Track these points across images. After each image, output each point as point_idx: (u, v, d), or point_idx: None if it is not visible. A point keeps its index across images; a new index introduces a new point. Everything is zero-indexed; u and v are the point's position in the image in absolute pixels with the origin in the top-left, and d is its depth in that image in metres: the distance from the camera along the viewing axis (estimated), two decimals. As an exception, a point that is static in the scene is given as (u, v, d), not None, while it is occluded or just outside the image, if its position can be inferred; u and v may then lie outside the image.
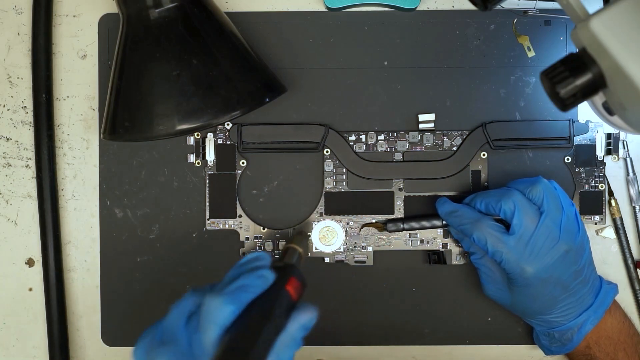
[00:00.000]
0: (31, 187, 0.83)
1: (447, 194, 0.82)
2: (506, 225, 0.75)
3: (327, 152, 0.82)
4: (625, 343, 0.78)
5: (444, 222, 0.80)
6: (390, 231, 0.81)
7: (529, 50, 0.81)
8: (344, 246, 0.82)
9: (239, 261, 0.66)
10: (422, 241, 0.82)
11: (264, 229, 0.83)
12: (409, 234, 0.82)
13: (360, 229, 0.82)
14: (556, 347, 0.79)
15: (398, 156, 0.82)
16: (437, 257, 0.82)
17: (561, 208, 0.74)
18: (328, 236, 0.82)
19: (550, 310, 0.76)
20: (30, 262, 0.83)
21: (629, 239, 0.82)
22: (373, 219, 0.82)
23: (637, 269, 0.82)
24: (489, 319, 0.83)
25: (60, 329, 0.82)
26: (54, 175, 0.82)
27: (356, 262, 0.82)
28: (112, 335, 0.83)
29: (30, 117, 0.82)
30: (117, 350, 0.83)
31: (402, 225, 0.81)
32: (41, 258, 0.82)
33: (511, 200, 0.74)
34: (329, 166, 0.82)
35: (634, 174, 0.82)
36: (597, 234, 0.82)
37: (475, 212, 0.76)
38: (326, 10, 0.82)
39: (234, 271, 0.65)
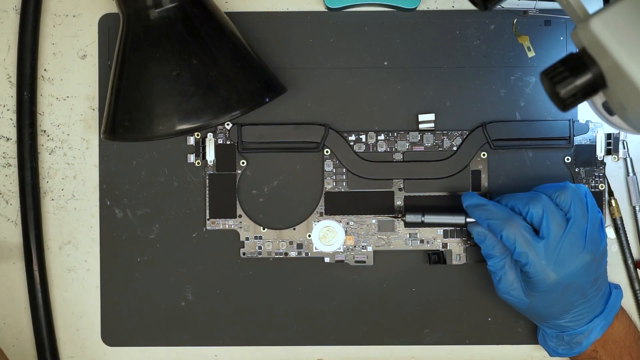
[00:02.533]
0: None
1: (446, 194, 0.82)
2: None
3: (327, 152, 0.82)
4: (630, 347, 0.78)
5: (467, 219, 0.78)
6: (408, 222, 0.80)
7: (529, 50, 0.81)
8: (344, 246, 0.82)
9: None
10: (422, 241, 0.82)
11: (264, 229, 0.82)
12: (409, 233, 0.82)
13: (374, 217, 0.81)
14: (564, 349, 0.79)
15: (398, 156, 0.82)
16: (437, 257, 0.82)
17: (587, 215, 0.74)
18: (328, 236, 0.82)
19: (564, 315, 0.76)
20: (30, 262, 0.83)
21: (629, 239, 0.82)
22: (373, 219, 0.82)
23: (637, 269, 0.82)
24: (489, 319, 0.83)
25: (48, 329, 0.82)
26: (35, 172, 0.81)
27: (356, 262, 0.82)
28: (112, 335, 0.83)
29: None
30: (117, 350, 0.83)
31: (421, 219, 0.80)
32: (23, 258, 0.82)
33: (540, 204, 0.74)
34: (329, 166, 0.82)
35: (634, 174, 0.82)
36: (597, 234, 0.83)
37: (507, 210, 0.75)
38: (326, 10, 0.82)
39: None
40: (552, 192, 0.75)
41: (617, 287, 0.80)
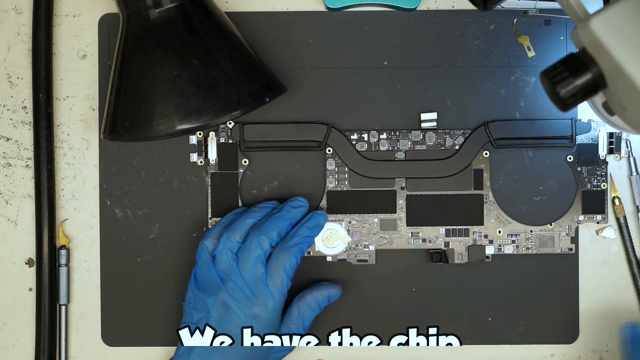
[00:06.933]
0: (31, 187, 0.83)
1: (449, 192, 0.82)
2: None
3: (329, 151, 0.82)
4: None
5: None
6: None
7: (529, 50, 0.81)
8: (347, 246, 0.82)
9: (288, 203, 0.80)
10: (424, 240, 0.82)
11: (265, 228, 0.82)
12: (411, 232, 0.82)
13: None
14: None
15: (400, 155, 0.82)
16: (438, 256, 0.82)
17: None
18: (331, 239, 0.82)
19: None
20: (30, 262, 0.83)
21: (632, 238, 0.82)
22: (375, 217, 0.82)
23: (640, 268, 0.82)
24: (489, 319, 0.83)
25: (50, 332, 0.82)
26: (52, 175, 0.82)
27: (358, 261, 0.82)
28: (112, 335, 0.83)
29: (30, 117, 0.82)
30: (117, 350, 0.83)
31: None
32: (35, 259, 0.82)
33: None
34: (331, 165, 0.82)
35: (637, 173, 0.82)
36: (598, 234, 0.82)
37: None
38: (326, 10, 0.82)
39: (284, 214, 0.79)
40: None
41: None
